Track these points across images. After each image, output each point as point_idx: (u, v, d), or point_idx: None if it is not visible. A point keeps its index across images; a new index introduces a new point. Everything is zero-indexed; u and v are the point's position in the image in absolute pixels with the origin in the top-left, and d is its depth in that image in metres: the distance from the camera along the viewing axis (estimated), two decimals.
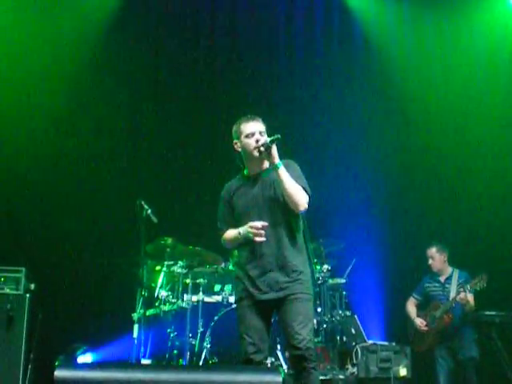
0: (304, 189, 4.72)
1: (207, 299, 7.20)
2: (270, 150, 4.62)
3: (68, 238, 8.32)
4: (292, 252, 4.72)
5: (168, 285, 7.33)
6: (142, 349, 6.73)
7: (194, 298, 7.11)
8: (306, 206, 4.68)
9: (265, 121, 4.84)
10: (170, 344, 7.14)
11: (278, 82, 9.09)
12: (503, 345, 6.89)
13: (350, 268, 7.52)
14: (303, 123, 8.84)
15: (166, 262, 7.29)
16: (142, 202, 6.77)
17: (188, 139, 8.94)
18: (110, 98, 8.63)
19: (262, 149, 4.65)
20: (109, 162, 8.64)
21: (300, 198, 4.65)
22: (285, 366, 6.80)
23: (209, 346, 6.88)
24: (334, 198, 8.20)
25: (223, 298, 7.19)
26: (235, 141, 4.86)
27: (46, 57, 8.39)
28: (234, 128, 4.88)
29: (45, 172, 8.33)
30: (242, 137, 4.78)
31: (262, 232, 4.61)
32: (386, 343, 7.14)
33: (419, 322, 7.42)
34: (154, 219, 6.79)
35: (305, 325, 4.59)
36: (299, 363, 4.52)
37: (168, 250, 7.21)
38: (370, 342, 7.10)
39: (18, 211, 8.34)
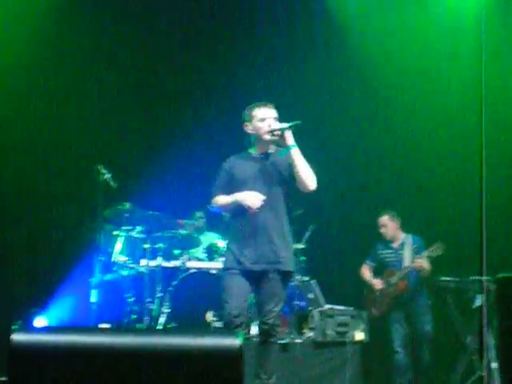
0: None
1: (166, 264, 7.19)
2: (285, 134, 5.00)
3: (25, 201, 8.22)
4: (285, 228, 5.10)
5: (126, 250, 7.29)
6: (100, 314, 6.72)
7: (153, 263, 7.11)
8: (316, 185, 5.05)
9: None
10: (128, 309, 7.14)
11: (237, 56, 9.05)
12: (458, 310, 7.00)
13: (308, 234, 7.55)
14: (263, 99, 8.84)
15: (124, 227, 7.26)
16: (101, 167, 6.71)
17: (147, 103, 8.86)
18: (71, 59, 8.49)
19: (277, 132, 5.02)
20: (67, 125, 8.51)
21: (312, 178, 5.04)
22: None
23: (167, 310, 6.89)
24: None
25: (182, 263, 7.19)
26: (246, 123, 5.19)
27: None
28: (247, 111, 5.20)
29: (2, 134, 8.19)
30: (255, 120, 5.13)
31: (259, 204, 4.95)
32: (343, 308, 7.19)
33: (375, 282, 7.49)
34: (113, 184, 6.74)
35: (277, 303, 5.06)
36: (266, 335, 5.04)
37: (126, 214, 7.17)
38: (328, 306, 7.16)
39: None
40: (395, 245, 7.55)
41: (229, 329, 4.91)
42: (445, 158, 8.57)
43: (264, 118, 5.11)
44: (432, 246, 7.11)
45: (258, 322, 5.31)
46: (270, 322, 5.02)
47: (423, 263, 7.16)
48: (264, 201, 4.99)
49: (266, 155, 5.20)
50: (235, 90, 8.90)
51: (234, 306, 4.96)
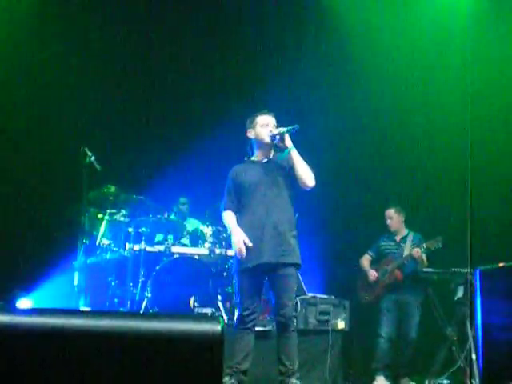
0: None
1: (149, 248, 7.19)
2: (285, 137, 5.41)
3: (10, 182, 8.18)
4: (292, 226, 5.48)
5: (110, 233, 7.28)
6: (82, 297, 6.71)
7: (136, 247, 7.10)
8: (314, 183, 5.44)
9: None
10: (110, 292, 7.14)
11: (225, 47, 9.05)
12: (439, 301, 7.04)
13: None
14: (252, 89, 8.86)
15: (108, 211, 7.24)
16: (86, 149, 6.68)
17: (133, 86, 8.83)
18: (54, 41, 8.43)
19: (277, 136, 5.44)
20: (53, 107, 8.48)
21: (310, 176, 5.43)
22: (225, 317, 6.88)
23: (150, 295, 6.88)
24: None
25: (165, 248, 7.19)
26: (249, 129, 5.61)
27: None
28: (250, 119, 5.62)
29: None
30: (257, 126, 5.55)
31: (243, 251, 5.32)
32: (325, 296, 7.24)
33: (371, 273, 7.57)
34: (98, 167, 6.71)
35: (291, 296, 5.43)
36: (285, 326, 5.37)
37: (111, 198, 7.16)
38: (310, 294, 7.20)
39: None
40: (398, 238, 7.69)
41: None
42: (435, 154, 8.62)
43: (266, 124, 5.54)
44: (432, 239, 7.19)
45: (275, 316, 5.54)
46: (287, 314, 5.33)
47: (422, 254, 7.23)
48: (272, 203, 5.41)
49: (268, 160, 5.61)
50: (222, 84, 8.97)
51: (246, 307, 5.36)
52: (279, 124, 5.53)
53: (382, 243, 7.74)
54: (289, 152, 5.44)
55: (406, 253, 7.44)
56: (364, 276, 7.68)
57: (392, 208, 7.74)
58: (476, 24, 7.86)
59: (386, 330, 7.34)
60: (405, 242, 7.59)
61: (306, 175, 5.43)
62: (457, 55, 8.08)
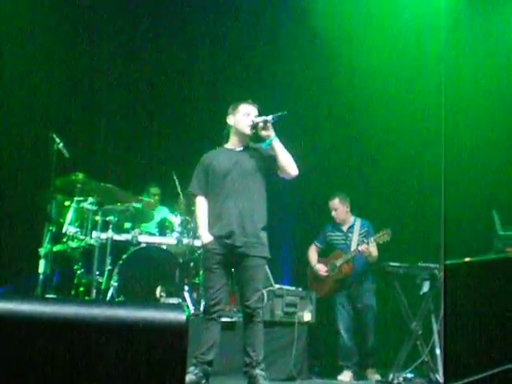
0: None
1: (116, 237, 7.13)
2: (268, 125, 5.38)
3: None
4: (262, 218, 5.47)
5: (77, 221, 7.19)
6: (48, 284, 6.64)
7: (103, 236, 7.04)
8: (297, 171, 5.46)
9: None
10: (76, 281, 7.07)
11: (199, 38, 9.02)
12: (405, 296, 7.08)
13: None
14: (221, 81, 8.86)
15: (76, 198, 7.15)
16: (54, 135, 6.59)
17: (102, 71, 8.76)
18: (20, 26, 8.33)
19: (260, 124, 5.38)
20: (22, 92, 8.37)
21: (293, 165, 5.44)
22: (191, 307, 6.86)
23: (116, 284, 6.84)
24: None
25: (133, 237, 7.14)
26: (230, 116, 5.58)
27: None
28: (232, 106, 5.59)
29: None
30: (239, 114, 5.53)
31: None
32: (292, 288, 7.24)
33: (319, 268, 7.54)
34: (66, 153, 6.63)
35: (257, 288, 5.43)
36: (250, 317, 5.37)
37: (79, 185, 7.07)
38: (277, 286, 7.19)
39: None
40: (344, 228, 7.59)
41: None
42: (406, 144, 8.66)
43: (248, 113, 5.51)
44: (380, 232, 7.16)
45: (241, 307, 5.59)
46: (252, 305, 5.33)
47: (370, 248, 7.20)
48: (242, 193, 5.39)
49: (243, 149, 5.57)
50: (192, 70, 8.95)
51: (211, 297, 5.36)
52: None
53: (329, 233, 7.64)
54: (271, 142, 5.41)
55: (353, 245, 7.38)
56: (313, 271, 7.62)
57: (336, 198, 7.59)
58: (453, 19, 7.94)
59: (342, 326, 7.33)
60: (352, 232, 7.51)
61: (289, 165, 5.42)
62: (432, 52, 8.14)
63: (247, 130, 5.49)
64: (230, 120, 5.59)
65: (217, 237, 5.39)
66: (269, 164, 5.49)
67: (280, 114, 5.38)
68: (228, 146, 5.64)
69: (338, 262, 7.37)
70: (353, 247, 7.37)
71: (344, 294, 7.40)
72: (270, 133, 5.41)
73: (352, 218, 7.63)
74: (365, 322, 7.33)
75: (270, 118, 5.39)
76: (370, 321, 7.31)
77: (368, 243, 7.17)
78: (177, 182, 7.42)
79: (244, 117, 5.51)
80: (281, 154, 5.41)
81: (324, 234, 7.68)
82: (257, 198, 5.47)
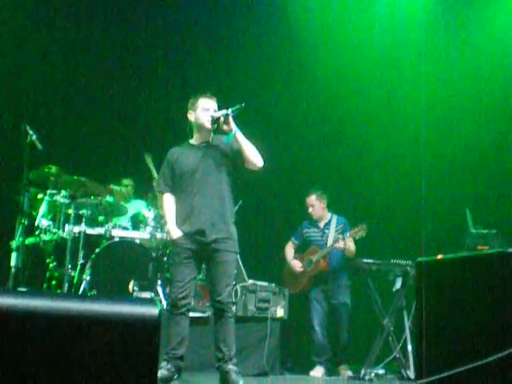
0: None
1: (89, 231, 7.09)
2: (229, 119, 5.33)
3: None
4: (229, 212, 5.47)
5: (50, 214, 7.15)
6: (19, 278, 6.58)
7: (76, 229, 7.00)
8: (263, 162, 5.42)
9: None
10: (48, 274, 7.03)
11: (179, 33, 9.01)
12: (377, 292, 7.11)
13: (235, 208, 7.54)
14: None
15: (48, 191, 7.11)
16: (27, 127, 6.52)
17: (74, 62, 8.70)
18: None
19: (220, 119, 5.34)
20: None
21: (258, 156, 5.41)
22: (164, 302, 6.84)
23: (88, 278, 6.80)
24: None
25: (106, 231, 7.11)
26: (190, 111, 5.51)
27: None
28: (191, 101, 5.52)
29: None
30: (198, 109, 5.45)
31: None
32: (265, 284, 7.25)
33: (295, 264, 7.55)
34: (39, 146, 6.55)
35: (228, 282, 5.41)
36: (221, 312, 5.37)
37: (52, 178, 7.03)
38: (250, 281, 7.20)
39: None
40: (321, 224, 7.61)
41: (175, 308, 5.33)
42: (386, 140, 8.73)
43: (207, 108, 5.43)
44: (355, 228, 7.18)
45: (212, 302, 5.54)
46: (223, 300, 5.33)
47: (346, 244, 7.21)
48: (209, 189, 5.37)
49: (207, 144, 5.51)
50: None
51: (179, 291, 5.32)
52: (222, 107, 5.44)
53: (306, 230, 7.66)
54: (234, 135, 5.36)
55: (330, 241, 7.41)
56: (289, 267, 7.64)
57: (313, 194, 7.60)
58: (430, 24, 8.05)
59: (317, 321, 7.35)
60: (329, 228, 7.53)
61: (254, 156, 5.39)
62: (411, 55, 8.24)
63: (208, 125, 5.44)
64: (191, 116, 5.53)
65: (187, 233, 5.37)
66: (234, 157, 5.45)
67: (239, 106, 5.32)
68: (192, 141, 5.59)
69: (314, 258, 7.38)
70: (329, 243, 7.38)
71: (319, 289, 7.41)
72: (232, 126, 5.36)
73: (329, 215, 7.64)
74: (339, 318, 7.35)
75: (229, 111, 5.34)
76: (344, 318, 7.34)
77: (344, 239, 7.18)
78: (151, 165, 7.40)
79: (203, 112, 5.45)
80: (245, 146, 5.37)
81: (301, 231, 7.69)
82: (225, 194, 5.44)
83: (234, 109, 5.33)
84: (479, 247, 6.55)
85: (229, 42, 9.04)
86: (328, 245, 7.37)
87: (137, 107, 8.98)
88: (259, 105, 8.47)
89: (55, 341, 2.74)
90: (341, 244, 7.19)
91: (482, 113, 8.45)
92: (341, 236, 7.26)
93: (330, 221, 7.58)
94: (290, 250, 7.71)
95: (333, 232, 7.46)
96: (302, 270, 7.48)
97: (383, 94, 8.76)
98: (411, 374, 6.57)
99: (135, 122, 9.00)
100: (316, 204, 7.59)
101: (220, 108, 5.45)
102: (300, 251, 7.67)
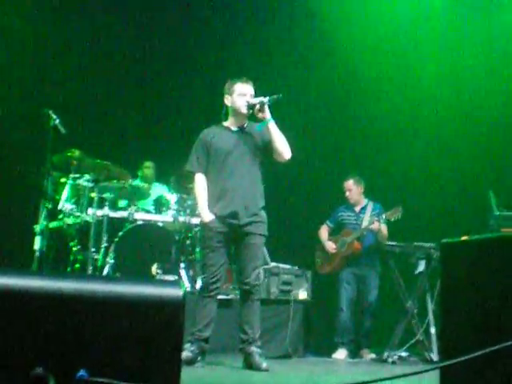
0: None
1: (112, 214, 7.12)
2: (264, 107, 5.33)
3: None
4: (260, 195, 5.51)
5: (73, 198, 7.18)
6: (43, 261, 6.62)
7: (99, 213, 7.02)
8: (291, 155, 5.46)
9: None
10: (72, 258, 7.07)
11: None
12: (400, 275, 7.10)
13: None
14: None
15: (72, 175, 7.13)
16: (50, 112, 6.54)
17: (97, 46, 8.71)
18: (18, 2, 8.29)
19: (257, 106, 5.35)
20: (17, 68, 8.32)
21: (287, 148, 5.44)
22: (187, 284, 6.87)
23: (112, 261, 6.84)
24: None
25: (129, 214, 7.13)
26: (226, 96, 5.53)
27: None
28: (228, 85, 5.53)
29: None
30: (235, 94, 5.46)
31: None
32: (288, 266, 7.26)
33: (329, 245, 7.57)
34: (62, 130, 6.57)
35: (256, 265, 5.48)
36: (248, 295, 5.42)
37: (75, 162, 7.04)
38: (273, 264, 7.21)
39: None
40: (357, 208, 7.67)
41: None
42: (410, 123, 8.69)
43: (244, 94, 5.44)
44: (391, 210, 7.19)
45: (239, 284, 5.61)
46: (251, 283, 5.37)
47: (381, 226, 7.24)
48: (242, 173, 5.41)
49: (241, 128, 5.55)
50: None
51: (211, 275, 5.38)
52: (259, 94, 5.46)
53: (341, 213, 7.70)
54: (266, 124, 5.39)
55: (364, 224, 7.44)
56: (322, 247, 7.67)
57: (350, 179, 7.67)
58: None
59: (345, 303, 7.37)
60: (364, 213, 7.58)
61: (283, 148, 5.42)
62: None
63: (244, 111, 5.45)
64: (228, 100, 5.54)
65: (219, 216, 5.40)
66: (264, 147, 5.50)
67: (276, 96, 5.34)
68: (227, 124, 5.61)
69: (349, 239, 7.42)
70: (364, 225, 7.41)
71: (350, 271, 7.44)
72: (266, 114, 5.38)
73: (365, 200, 7.71)
74: (366, 303, 7.38)
75: (266, 99, 5.37)
76: (371, 303, 7.36)
77: (379, 220, 7.20)
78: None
79: (240, 97, 5.46)
80: (276, 137, 5.40)
81: (336, 214, 7.75)
82: (256, 178, 5.50)
83: (270, 98, 5.34)
84: (503, 229, 6.49)
85: (262, 31, 9.01)
86: (363, 226, 7.39)
87: (159, 90, 8.98)
88: (295, 88, 8.48)
89: (79, 322, 2.75)
90: (376, 225, 7.23)
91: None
92: (376, 218, 7.28)
93: (365, 206, 7.64)
94: (324, 232, 7.75)
95: (368, 217, 7.48)
96: (335, 251, 7.51)
97: (411, 77, 8.70)
98: (434, 356, 6.56)
99: (157, 105, 8.99)
100: (353, 188, 7.65)
101: (256, 94, 5.47)
102: (333, 234, 7.69)
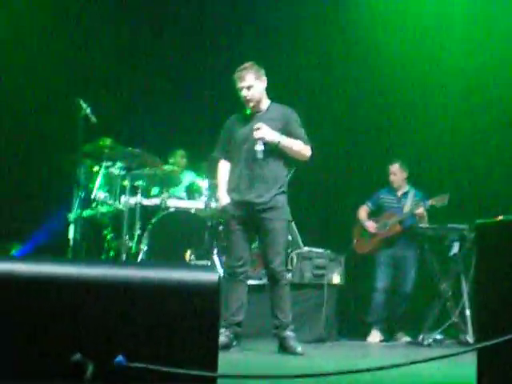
0: (304, 139, 5.48)
1: (145, 202, 7.15)
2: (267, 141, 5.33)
3: (6, 136, 8.13)
4: (283, 179, 5.52)
5: (106, 186, 7.21)
6: (78, 250, 6.68)
7: (132, 201, 7.05)
8: (310, 154, 5.48)
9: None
10: (106, 246, 7.13)
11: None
12: (434, 257, 7.07)
13: (289, 176, 7.52)
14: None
15: (104, 163, 7.15)
16: (81, 101, 6.57)
17: (128, 36, 8.74)
18: None
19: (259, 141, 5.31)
20: (48, 59, 8.38)
21: (304, 152, 5.48)
22: (220, 270, 6.88)
23: (146, 248, 6.87)
24: None
25: (161, 201, 7.15)
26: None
27: None
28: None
29: None
30: (237, 87, 5.46)
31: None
32: (321, 250, 7.23)
33: (369, 225, 7.58)
34: (93, 119, 6.60)
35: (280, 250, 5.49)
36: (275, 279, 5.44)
37: (107, 150, 7.06)
38: (306, 248, 7.20)
39: None
40: (399, 193, 7.67)
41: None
42: (440, 111, 8.61)
43: (240, 88, 5.45)
44: (438, 196, 7.15)
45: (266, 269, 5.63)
46: (276, 269, 5.39)
47: (424, 212, 7.25)
48: (253, 157, 5.34)
49: (262, 113, 5.53)
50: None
51: (236, 258, 5.44)
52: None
53: (383, 196, 7.71)
54: (278, 144, 5.38)
55: (406, 209, 7.43)
56: (360, 227, 7.67)
57: (396, 163, 7.67)
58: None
59: (381, 283, 7.39)
60: (406, 198, 7.58)
61: (300, 154, 5.49)
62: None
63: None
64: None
65: (235, 202, 5.45)
66: (284, 127, 5.51)
67: (274, 143, 5.38)
68: (247, 110, 5.60)
69: (391, 221, 7.44)
70: (406, 209, 7.39)
71: (389, 253, 7.46)
72: (275, 140, 5.37)
73: (407, 186, 7.71)
74: (402, 288, 7.37)
75: (275, 141, 5.37)
76: (407, 288, 7.36)
77: (424, 206, 7.18)
78: None
79: (240, 91, 5.46)
80: (290, 150, 5.45)
81: (377, 196, 7.75)
82: (273, 165, 5.45)
83: (276, 143, 5.37)
84: None
85: (292, 26, 8.96)
86: (406, 210, 7.36)
87: (191, 79, 8.97)
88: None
89: (116, 308, 2.77)
90: (421, 210, 7.21)
91: None
92: (421, 203, 7.26)
93: (407, 191, 7.63)
94: (363, 212, 7.76)
95: (410, 202, 7.47)
96: (375, 231, 7.50)
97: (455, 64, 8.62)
98: (470, 338, 6.53)
99: (187, 94, 8.99)
100: (398, 173, 7.66)
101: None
102: (372, 216, 7.69)
